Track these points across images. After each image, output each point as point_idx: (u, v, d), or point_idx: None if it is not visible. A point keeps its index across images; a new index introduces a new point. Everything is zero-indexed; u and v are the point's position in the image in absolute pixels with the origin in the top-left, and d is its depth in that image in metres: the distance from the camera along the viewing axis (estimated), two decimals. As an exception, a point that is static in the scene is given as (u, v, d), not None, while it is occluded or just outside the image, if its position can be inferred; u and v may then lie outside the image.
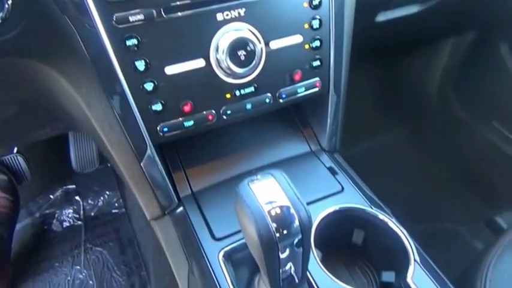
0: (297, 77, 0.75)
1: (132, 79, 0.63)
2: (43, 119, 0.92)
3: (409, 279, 0.64)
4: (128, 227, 1.48)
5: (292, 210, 0.45)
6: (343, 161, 0.87)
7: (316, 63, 0.76)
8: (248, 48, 0.66)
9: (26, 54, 0.64)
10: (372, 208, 0.74)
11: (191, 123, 0.69)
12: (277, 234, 0.44)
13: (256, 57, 0.68)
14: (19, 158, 1.30)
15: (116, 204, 1.54)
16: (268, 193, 0.46)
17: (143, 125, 0.66)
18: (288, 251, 0.47)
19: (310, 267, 0.64)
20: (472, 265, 0.85)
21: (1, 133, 0.95)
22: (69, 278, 1.33)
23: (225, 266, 0.66)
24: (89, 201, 1.53)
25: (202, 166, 0.81)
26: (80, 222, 1.48)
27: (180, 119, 0.68)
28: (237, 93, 0.71)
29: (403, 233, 0.69)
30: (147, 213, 0.75)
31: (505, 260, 0.81)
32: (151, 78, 0.64)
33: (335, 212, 0.73)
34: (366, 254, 0.76)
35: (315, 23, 0.72)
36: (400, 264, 0.68)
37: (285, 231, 0.44)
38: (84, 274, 1.34)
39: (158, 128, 0.67)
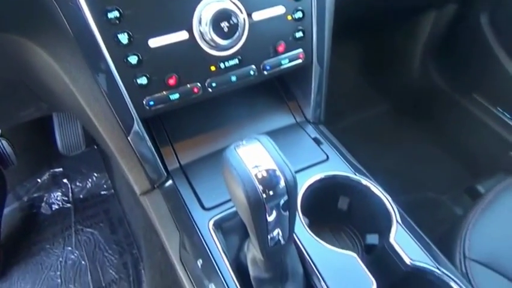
0: (281, 48, 0.76)
1: (116, 52, 0.63)
2: (26, 99, 0.91)
3: (391, 240, 0.67)
4: (118, 207, 1.48)
5: (278, 172, 0.46)
6: (328, 131, 0.89)
7: (299, 34, 0.77)
8: (231, 21, 0.66)
9: (7, 28, 0.63)
10: (355, 175, 0.76)
11: (177, 96, 0.70)
12: (264, 195, 0.45)
13: (239, 29, 0.68)
14: (3, 142, 1.29)
15: (105, 186, 1.54)
16: (254, 157, 0.47)
17: (129, 98, 0.67)
18: (274, 213, 0.49)
19: (297, 232, 0.66)
20: (452, 227, 0.89)
21: (-17, 114, 0.94)
22: (61, 259, 1.34)
23: (215, 234, 0.68)
24: (77, 184, 1.53)
25: (189, 140, 0.82)
26: (69, 205, 1.48)
27: (166, 92, 0.69)
28: (222, 65, 0.71)
29: (385, 196, 0.72)
30: (137, 187, 0.76)
31: (482, 221, 0.85)
32: (135, 52, 0.64)
33: (320, 180, 0.76)
34: (351, 219, 0.79)
35: (297, -6, 0.73)
36: (383, 226, 0.71)
37: (271, 192, 0.46)
38: (76, 255, 1.35)
39: (144, 102, 0.68)
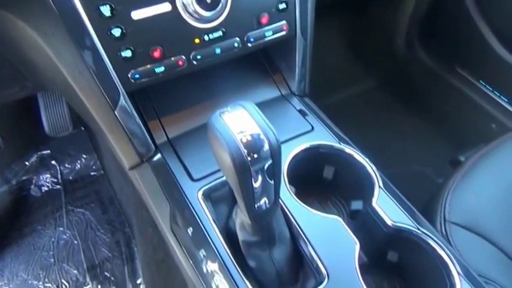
0: (264, 20, 0.76)
1: (99, 25, 0.63)
2: (10, 78, 0.91)
3: (374, 203, 0.69)
4: (108, 187, 1.49)
5: (262, 136, 0.48)
6: (313, 103, 0.90)
7: (282, 6, 0.77)
8: None
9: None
10: (340, 144, 0.78)
11: (162, 69, 0.70)
12: (249, 158, 0.47)
13: (222, 0, 0.68)
14: (-11, 125, 1.28)
15: (94, 167, 1.54)
16: (239, 122, 0.48)
17: (114, 71, 0.67)
18: (260, 177, 0.50)
19: (284, 199, 0.69)
20: (433, 194, 0.92)
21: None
22: (53, 239, 1.35)
23: (205, 203, 0.70)
24: (66, 165, 1.53)
25: (176, 114, 0.83)
26: (58, 186, 1.48)
27: (151, 65, 0.69)
28: (206, 37, 0.72)
29: (367, 163, 0.75)
30: (125, 161, 0.77)
31: (462, 186, 0.88)
32: (118, 24, 0.64)
33: (306, 150, 0.78)
34: (336, 188, 0.82)
35: (279, -36, 0.73)
36: (367, 193, 0.73)
37: (255, 155, 0.47)
38: (68, 235, 1.36)
39: (129, 75, 0.68)
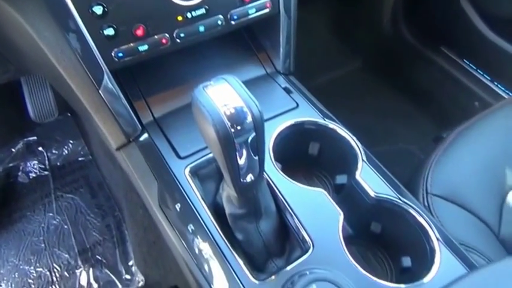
0: (247, -3, 0.76)
1: (80, 3, 0.63)
2: (-8, 61, 0.90)
3: (357, 176, 0.71)
4: (97, 173, 1.49)
5: (245, 109, 0.49)
6: (298, 82, 0.91)
7: (265, -18, 0.77)
8: None
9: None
10: (324, 120, 0.80)
11: (145, 47, 0.70)
12: (233, 130, 0.48)
13: (204, -23, 0.68)
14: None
15: (82, 153, 1.54)
16: (222, 95, 0.49)
17: (97, 50, 0.67)
18: (244, 150, 0.51)
19: (270, 174, 0.70)
20: (416, 169, 0.95)
21: None
22: (43, 225, 1.35)
23: (192, 180, 0.71)
24: (53, 151, 1.52)
25: (162, 94, 0.83)
26: (46, 173, 1.48)
27: (134, 43, 0.69)
28: (189, 15, 0.72)
29: (351, 137, 0.76)
30: (112, 141, 0.78)
31: (444, 159, 0.90)
32: (99, 1, 0.63)
33: (291, 126, 0.79)
34: (321, 163, 0.83)
35: None
36: (351, 166, 0.75)
37: (239, 127, 0.48)
38: (57, 220, 1.36)
39: (113, 54, 0.68)
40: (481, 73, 1.59)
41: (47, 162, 1.50)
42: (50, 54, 0.68)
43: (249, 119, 0.49)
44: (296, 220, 0.65)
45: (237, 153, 0.51)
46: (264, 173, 0.68)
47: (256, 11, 0.79)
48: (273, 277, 0.59)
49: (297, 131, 0.80)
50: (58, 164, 1.51)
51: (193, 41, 0.75)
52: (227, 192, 0.61)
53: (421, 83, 1.79)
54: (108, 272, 1.25)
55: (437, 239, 0.64)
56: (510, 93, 1.48)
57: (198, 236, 0.65)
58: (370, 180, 0.71)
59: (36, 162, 1.49)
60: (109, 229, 1.36)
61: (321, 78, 1.75)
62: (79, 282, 1.24)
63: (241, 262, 0.61)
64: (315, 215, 0.65)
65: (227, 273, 0.61)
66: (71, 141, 1.55)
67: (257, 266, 0.65)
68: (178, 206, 0.68)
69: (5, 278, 1.24)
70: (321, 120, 0.79)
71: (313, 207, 0.66)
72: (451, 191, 0.86)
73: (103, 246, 1.31)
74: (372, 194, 0.69)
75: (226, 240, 0.63)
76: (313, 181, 0.85)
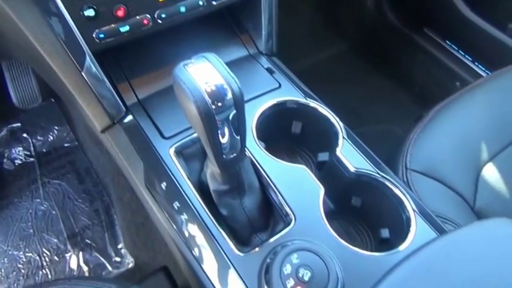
0: (228, -23, 0.77)
1: (59, -17, 0.63)
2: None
3: (338, 152, 0.74)
4: (83, 158, 1.49)
5: (225, 86, 0.50)
6: (281, 62, 0.92)
7: (246, -38, 0.78)
8: None
9: None
10: (306, 99, 0.81)
11: (127, 28, 0.70)
12: (213, 107, 0.49)
13: (183, -44, 0.68)
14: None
15: (67, 139, 1.53)
16: (202, 72, 0.50)
17: (78, 32, 0.67)
18: (225, 127, 0.53)
19: (253, 152, 0.72)
20: (396, 147, 0.98)
21: None
22: (30, 211, 1.35)
23: (177, 159, 0.72)
24: (38, 138, 1.51)
25: (145, 75, 0.83)
26: (32, 159, 1.47)
27: (115, 24, 0.69)
28: (170, -4, 0.72)
29: (332, 115, 0.78)
30: (97, 123, 0.78)
31: (422, 136, 0.93)
32: (79, -18, 0.63)
33: (273, 106, 0.80)
34: (304, 142, 0.85)
35: None
36: (332, 144, 0.77)
37: (219, 104, 0.49)
38: (45, 206, 1.37)
39: (94, 35, 0.68)
40: (463, 54, 1.62)
41: (32, 148, 1.49)
42: (31, 37, 0.68)
43: (229, 95, 0.50)
44: (279, 195, 0.67)
45: (219, 130, 0.52)
46: (248, 151, 0.71)
47: (237, -9, 0.79)
48: (256, 249, 0.61)
49: (279, 111, 0.81)
50: (44, 150, 1.50)
51: (175, 21, 0.75)
52: (211, 169, 0.62)
53: (404, 65, 1.81)
54: (98, 255, 1.27)
55: (413, 210, 0.67)
56: (490, 74, 1.51)
57: (184, 213, 0.66)
58: (351, 156, 0.73)
59: (21, 148, 1.48)
60: (97, 214, 1.37)
61: (305, 61, 1.76)
62: (69, 266, 1.25)
63: (226, 236, 0.63)
64: (297, 190, 0.67)
65: (213, 247, 0.63)
66: (56, 128, 1.54)
67: (242, 241, 0.67)
68: (164, 185, 0.69)
69: (-5, 264, 1.25)
70: (302, 99, 0.81)
71: (295, 183, 0.68)
72: (429, 167, 0.89)
73: (92, 231, 1.33)
74: (352, 169, 0.71)
75: (211, 216, 0.65)
76: (296, 159, 0.87)
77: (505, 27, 1.41)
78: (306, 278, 0.54)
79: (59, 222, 1.34)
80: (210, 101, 0.49)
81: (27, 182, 1.42)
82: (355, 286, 0.57)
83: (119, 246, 1.30)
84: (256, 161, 0.71)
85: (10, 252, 1.26)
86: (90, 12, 0.66)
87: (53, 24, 0.66)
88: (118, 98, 0.78)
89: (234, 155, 0.57)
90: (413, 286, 0.43)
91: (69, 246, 1.28)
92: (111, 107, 0.77)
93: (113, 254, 1.28)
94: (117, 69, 0.83)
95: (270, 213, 0.70)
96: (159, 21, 0.73)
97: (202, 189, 0.70)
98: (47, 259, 1.26)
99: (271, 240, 0.62)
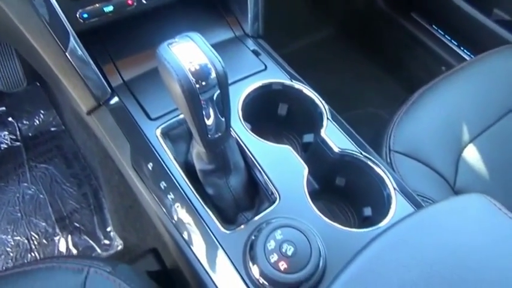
0: (213, -42, 0.76)
1: (41, -38, 0.62)
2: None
3: (322, 133, 0.75)
4: (70, 143, 1.48)
5: (209, 65, 0.51)
6: (266, 44, 0.93)
7: None
8: None
9: None
10: (291, 81, 0.82)
11: (110, 8, 0.70)
12: (197, 86, 0.50)
13: None
14: None
15: (54, 123, 1.52)
16: (186, 52, 0.50)
17: (61, 11, 0.66)
18: (210, 107, 0.54)
19: (239, 132, 0.73)
20: (380, 129, 1.00)
21: None
22: (18, 195, 1.35)
23: (163, 140, 0.73)
24: (24, 122, 1.50)
25: (131, 57, 0.83)
26: (18, 143, 1.46)
27: (99, 4, 0.69)
28: (154, -25, 0.71)
29: (317, 97, 0.79)
30: (83, 105, 0.78)
31: (405, 119, 0.95)
32: (61, -40, 0.63)
33: (259, 88, 0.81)
34: (290, 124, 0.87)
35: None
36: (318, 125, 0.79)
37: (203, 83, 0.50)
38: (33, 190, 1.36)
39: (77, 15, 0.68)
40: (449, 38, 1.63)
41: (18, 132, 1.48)
42: (14, 17, 0.67)
43: (213, 74, 0.50)
44: (264, 175, 0.68)
45: (203, 110, 0.53)
46: (233, 132, 0.72)
47: (222, -28, 0.79)
48: (242, 226, 0.63)
49: (265, 93, 0.82)
50: (30, 134, 1.49)
51: (160, 2, 0.75)
52: (197, 149, 0.63)
53: (391, 49, 1.83)
54: (87, 238, 1.28)
55: (394, 188, 0.69)
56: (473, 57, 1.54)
57: (171, 193, 0.67)
58: (335, 137, 0.74)
59: (6, 133, 1.47)
60: (86, 197, 1.37)
61: (292, 46, 1.76)
62: (58, 249, 1.26)
63: (212, 215, 0.65)
64: (282, 170, 0.69)
65: (199, 226, 0.64)
66: (42, 112, 1.53)
67: (228, 219, 0.69)
68: (150, 166, 0.70)
69: (-17, 248, 1.25)
70: (287, 81, 0.82)
71: (279, 163, 0.70)
72: (412, 148, 0.92)
73: (80, 214, 1.33)
74: (336, 149, 0.73)
75: (197, 196, 0.66)
76: (282, 141, 0.88)
77: (491, 13, 1.42)
78: (289, 253, 0.56)
79: (46, 206, 1.34)
80: (194, 80, 0.49)
81: (14, 166, 1.41)
82: (337, 261, 0.60)
83: (108, 229, 1.30)
84: (242, 142, 0.72)
85: (-2, 236, 1.27)
86: (73, -8, 0.65)
87: (36, 5, 0.65)
88: (103, 79, 0.77)
89: (219, 134, 0.57)
90: (389, 258, 0.45)
91: (57, 230, 1.29)
92: (96, 88, 0.77)
93: (102, 237, 1.29)
94: (102, 50, 0.82)
95: (255, 193, 0.72)
96: (144, 1, 0.73)
97: (189, 169, 0.71)
98: (36, 242, 1.27)
99: (256, 218, 0.64)
